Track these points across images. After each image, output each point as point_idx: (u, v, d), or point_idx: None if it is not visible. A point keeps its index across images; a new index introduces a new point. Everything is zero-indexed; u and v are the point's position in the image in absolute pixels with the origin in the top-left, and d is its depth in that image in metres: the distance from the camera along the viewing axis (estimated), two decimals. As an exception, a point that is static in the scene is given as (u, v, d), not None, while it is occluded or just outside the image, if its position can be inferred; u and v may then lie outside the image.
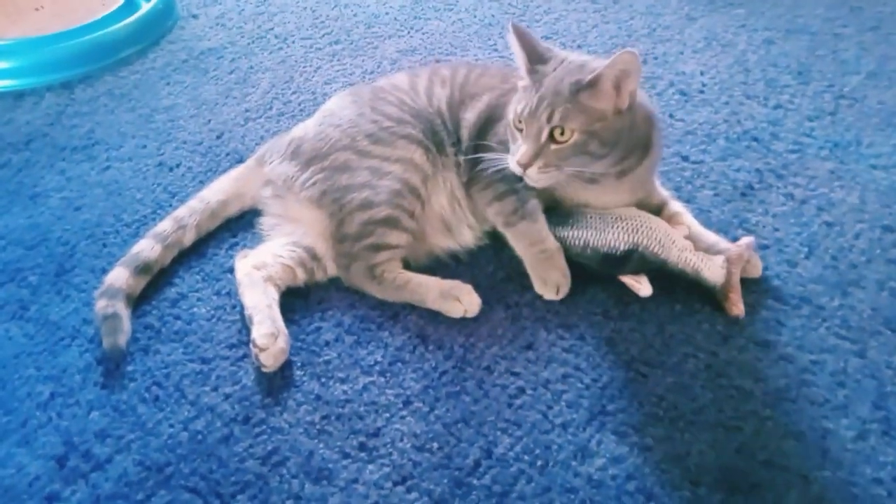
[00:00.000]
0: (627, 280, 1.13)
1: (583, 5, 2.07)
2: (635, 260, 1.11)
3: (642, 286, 1.11)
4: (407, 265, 1.20)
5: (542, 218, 1.17)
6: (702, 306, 1.12)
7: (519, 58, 1.12)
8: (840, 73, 1.68)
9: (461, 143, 1.24)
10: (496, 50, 1.87)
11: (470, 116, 1.23)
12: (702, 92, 1.65)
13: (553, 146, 1.06)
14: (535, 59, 1.10)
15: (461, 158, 1.23)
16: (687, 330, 1.09)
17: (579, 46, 1.85)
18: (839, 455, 0.92)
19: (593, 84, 1.04)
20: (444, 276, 1.20)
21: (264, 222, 1.26)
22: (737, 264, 1.10)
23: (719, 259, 1.10)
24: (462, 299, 1.12)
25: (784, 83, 1.66)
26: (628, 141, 1.10)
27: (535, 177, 1.08)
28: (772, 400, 0.99)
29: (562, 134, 1.05)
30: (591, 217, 1.16)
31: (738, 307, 1.09)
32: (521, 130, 1.09)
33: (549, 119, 1.05)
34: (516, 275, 1.19)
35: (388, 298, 1.16)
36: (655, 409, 0.99)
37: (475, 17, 2.04)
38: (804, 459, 0.92)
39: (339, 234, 1.17)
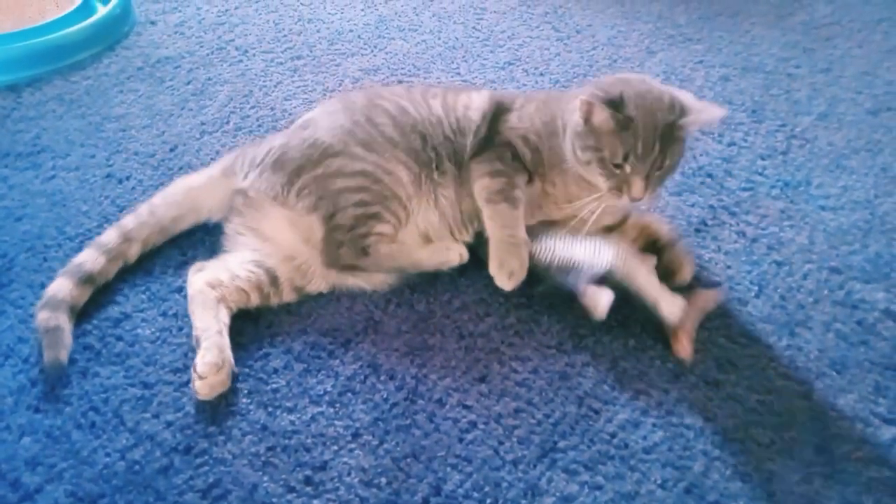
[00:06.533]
0: (586, 300, 1.10)
1: (546, 33, 2.09)
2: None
3: (599, 305, 1.09)
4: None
5: (522, 208, 1.19)
6: (654, 343, 1.12)
7: (606, 119, 1.11)
8: (792, 113, 1.73)
9: (465, 138, 1.26)
10: (458, 73, 1.87)
11: (480, 103, 1.28)
12: (660, 125, 1.67)
13: (657, 173, 1.13)
14: (615, 107, 1.12)
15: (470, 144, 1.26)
16: (640, 366, 1.09)
17: (542, 74, 1.86)
18: (784, 498, 0.93)
19: (687, 126, 1.13)
20: (399, 302, 1.19)
21: (229, 232, 1.22)
22: (696, 309, 1.11)
23: (680, 300, 1.11)
24: (451, 248, 1.22)
25: (739, 121, 1.70)
26: None
27: (647, 202, 1.18)
28: (720, 440, 1.00)
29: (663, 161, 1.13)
30: (560, 237, 1.17)
31: (685, 349, 1.08)
32: (618, 167, 1.13)
33: (661, 157, 1.11)
34: (472, 304, 1.19)
35: (380, 269, 1.19)
36: (607, 446, 0.99)
37: (439, 39, 2.04)
38: (751, 501, 0.93)
39: (330, 225, 1.17)
